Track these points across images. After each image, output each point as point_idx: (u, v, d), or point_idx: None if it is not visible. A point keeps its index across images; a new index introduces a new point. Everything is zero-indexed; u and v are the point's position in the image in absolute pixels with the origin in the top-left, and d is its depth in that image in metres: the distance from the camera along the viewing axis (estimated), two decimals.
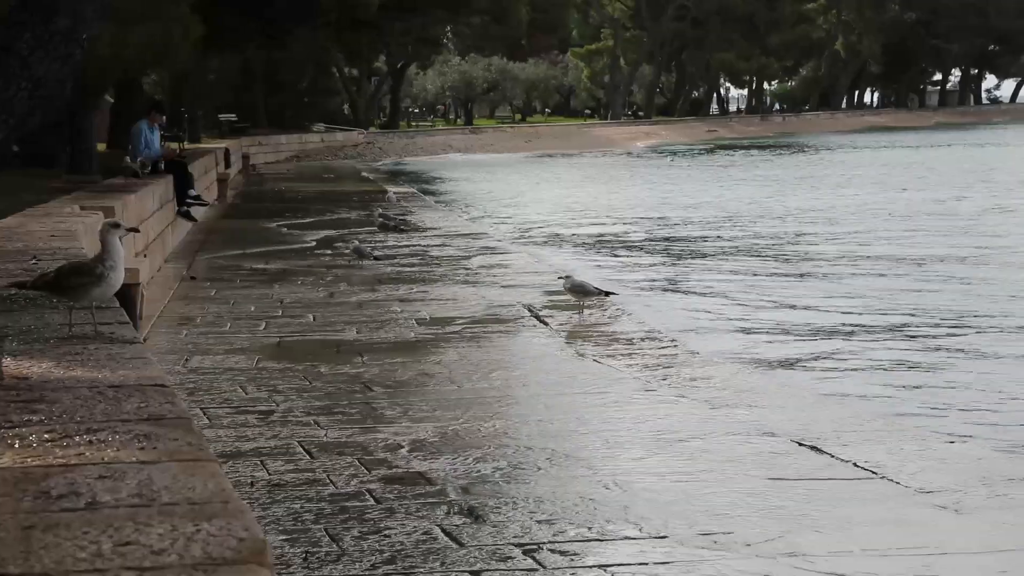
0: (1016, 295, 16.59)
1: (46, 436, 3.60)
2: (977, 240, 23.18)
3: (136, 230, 5.24)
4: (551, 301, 14.40)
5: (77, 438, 3.57)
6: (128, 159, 19.88)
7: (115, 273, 5.14)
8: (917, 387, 11.30)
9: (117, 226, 5.30)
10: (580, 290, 13.98)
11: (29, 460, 3.34)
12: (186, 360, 10.96)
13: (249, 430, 8.51)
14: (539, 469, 7.69)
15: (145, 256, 15.29)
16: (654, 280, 18.62)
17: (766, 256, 21.46)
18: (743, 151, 65.91)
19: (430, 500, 7.00)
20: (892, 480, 7.44)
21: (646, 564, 6.07)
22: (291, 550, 6.15)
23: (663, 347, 12.07)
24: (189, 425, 3.74)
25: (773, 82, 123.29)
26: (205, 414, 8.93)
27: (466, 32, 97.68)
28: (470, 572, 5.90)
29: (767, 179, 42.94)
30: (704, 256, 21.66)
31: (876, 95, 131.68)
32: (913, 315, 15.09)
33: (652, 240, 24.56)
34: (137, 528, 2.74)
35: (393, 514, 6.72)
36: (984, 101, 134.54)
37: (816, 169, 48.79)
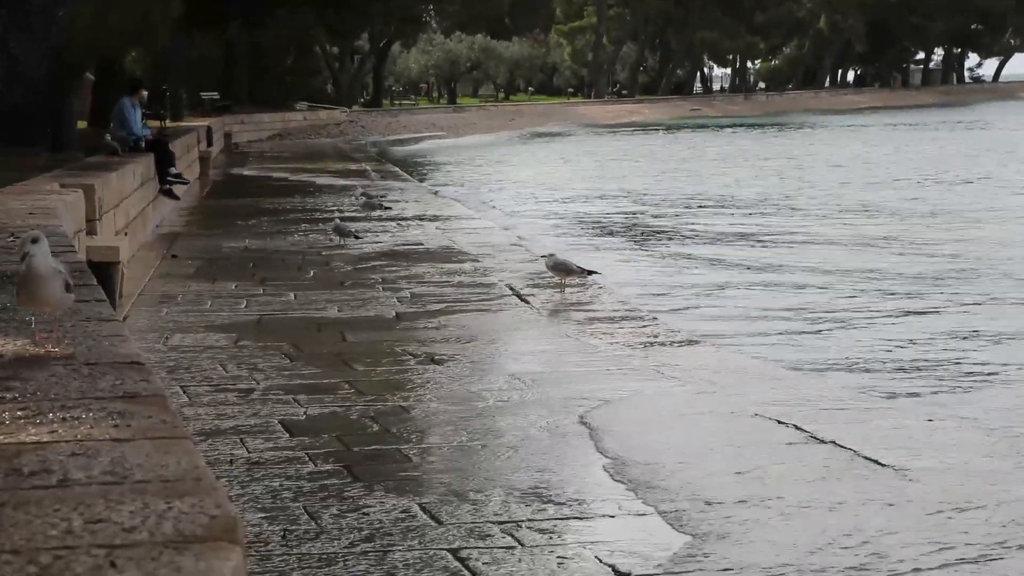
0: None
1: (19, 413, 3.58)
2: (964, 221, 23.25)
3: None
4: (533, 280, 14.39)
5: (51, 415, 3.55)
6: (109, 136, 19.77)
7: (29, 285, 4.46)
8: (900, 367, 11.32)
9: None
10: (562, 268, 13.98)
11: (1, 437, 3.32)
12: (166, 338, 10.94)
13: (229, 408, 8.50)
14: (519, 447, 7.69)
15: (126, 235, 15.25)
16: (636, 259, 18.63)
17: (750, 237, 21.48)
18: (729, 128, 65.98)
19: (409, 477, 7.00)
20: (871, 459, 7.46)
21: (625, 541, 6.07)
22: (270, 528, 6.15)
23: (644, 325, 12.08)
24: (164, 403, 3.73)
25: (757, 61, 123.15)
26: (185, 392, 8.92)
27: (449, 10, 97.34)
28: (449, 550, 5.90)
29: (758, 159, 42.96)
30: (688, 236, 21.66)
31: (859, 73, 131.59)
32: (899, 296, 15.13)
33: (635, 220, 24.55)
34: (108, 505, 2.73)
35: (372, 492, 6.72)
36: (967, 80, 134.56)
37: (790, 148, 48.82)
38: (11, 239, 8.28)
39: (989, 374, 10.96)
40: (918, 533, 6.18)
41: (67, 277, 4.56)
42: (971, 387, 10.48)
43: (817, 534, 6.16)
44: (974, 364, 11.30)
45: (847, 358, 11.52)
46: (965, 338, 12.51)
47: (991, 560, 5.87)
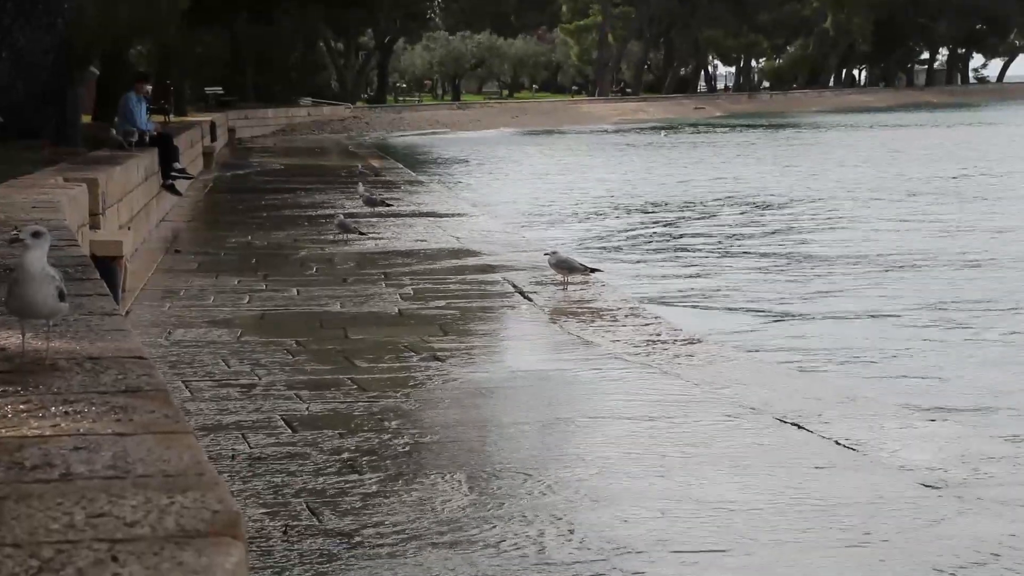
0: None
1: (22, 407, 3.58)
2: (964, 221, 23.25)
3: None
4: (536, 277, 14.38)
5: (53, 409, 3.55)
6: (114, 131, 19.79)
7: (17, 287, 4.10)
8: (899, 366, 11.32)
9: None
10: (565, 266, 13.97)
11: (4, 431, 3.32)
12: (169, 333, 10.94)
13: (231, 403, 8.50)
14: (520, 444, 7.69)
15: (129, 229, 15.24)
16: (639, 257, 18.63)
17: (751, 237, 21.48)
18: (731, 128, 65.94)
19: (411, 473, 7.00)
20: (873, 457, 7.46)
21: (628, 548, 6.07)
22: (271, 523, 6.15)
23: (647, 323, 12.07)
24: (166, 397, 3.73)
25: (761, 60, 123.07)
26: (187, 387, 8.92)
27: (454, 7, 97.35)
28: (450, 547, 5.89)
29: (759, 160, 42.96)
30: (689, 235, 21.66)
31: (864, 74, 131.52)
32: (897, 295, 15.13)
33: (638, 218, 24.55)
34: (111, 500, 2.73)
35: (374, 488, 6.71)
36: (971, 80, 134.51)
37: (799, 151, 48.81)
38: (14, 232, 8.28)
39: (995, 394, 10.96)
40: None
41: (61, 284, 4.15)
42: (986, 401, 10.48)
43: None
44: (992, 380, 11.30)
45: (854, 357, 11.52)
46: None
47: None
